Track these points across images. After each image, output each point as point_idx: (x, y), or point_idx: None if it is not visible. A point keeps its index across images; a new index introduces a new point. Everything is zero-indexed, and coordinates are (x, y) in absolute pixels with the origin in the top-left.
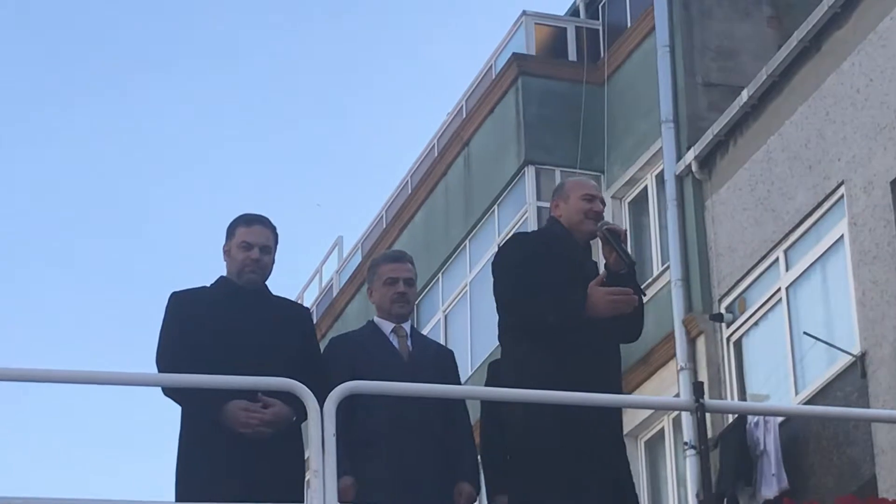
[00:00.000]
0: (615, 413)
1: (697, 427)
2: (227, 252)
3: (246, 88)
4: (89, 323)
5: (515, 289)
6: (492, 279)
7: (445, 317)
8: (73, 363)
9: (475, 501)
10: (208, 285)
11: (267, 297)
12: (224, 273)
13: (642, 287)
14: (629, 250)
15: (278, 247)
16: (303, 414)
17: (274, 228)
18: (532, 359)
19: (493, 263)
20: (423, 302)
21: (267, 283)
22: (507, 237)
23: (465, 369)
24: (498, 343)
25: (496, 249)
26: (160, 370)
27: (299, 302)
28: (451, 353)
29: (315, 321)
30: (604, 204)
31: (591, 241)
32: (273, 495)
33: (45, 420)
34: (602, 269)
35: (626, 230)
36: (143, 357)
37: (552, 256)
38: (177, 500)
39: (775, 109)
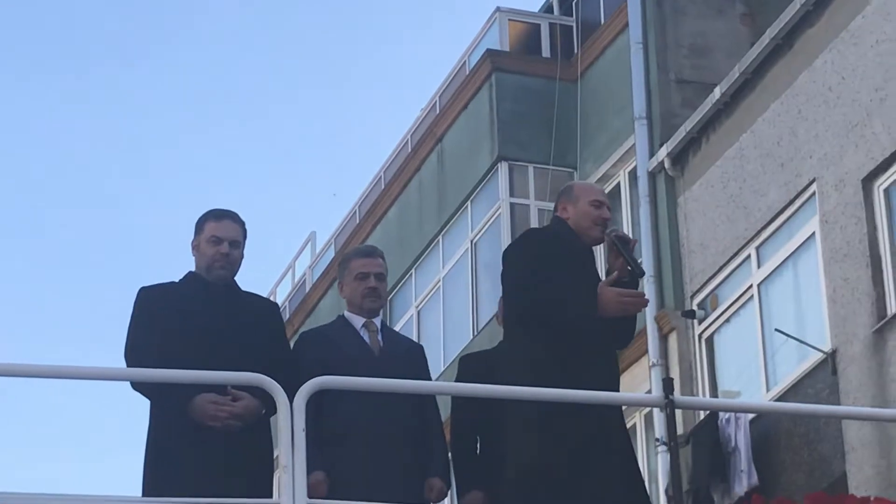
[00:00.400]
0: (626, 439)
1: (667, 423)
2: (195, 247)
3: (217, 81)
4: (55, 317)
5: (535, 278)
6: (503, 268)
7: (418, 312)
8: (39, 357)
9: (445, 497)
10: (177, 281)
11: (236, 293)
12: (193, 269)
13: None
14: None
15: (249, 241)
16: (272, 407)
17: (243, 223)
18: (539, 355)
19: (508, 253)
20: (396, 297)
21: (238, 278)
22: (518, 234)
23: (438, 365)
24: (472, 336)
25: (468, 245)
26: (129, 365)
27: (271, 297)
28: (422, 348)
29: (288, 317)
30: (610, 210)
31: (594, 247)
32: (242, 490)
33: (9, 415)
34: (607, 274)
35: (636, 239)
36: (110, 351)
37: (562, 256)
38: (144, 496)
39: (748, 107)
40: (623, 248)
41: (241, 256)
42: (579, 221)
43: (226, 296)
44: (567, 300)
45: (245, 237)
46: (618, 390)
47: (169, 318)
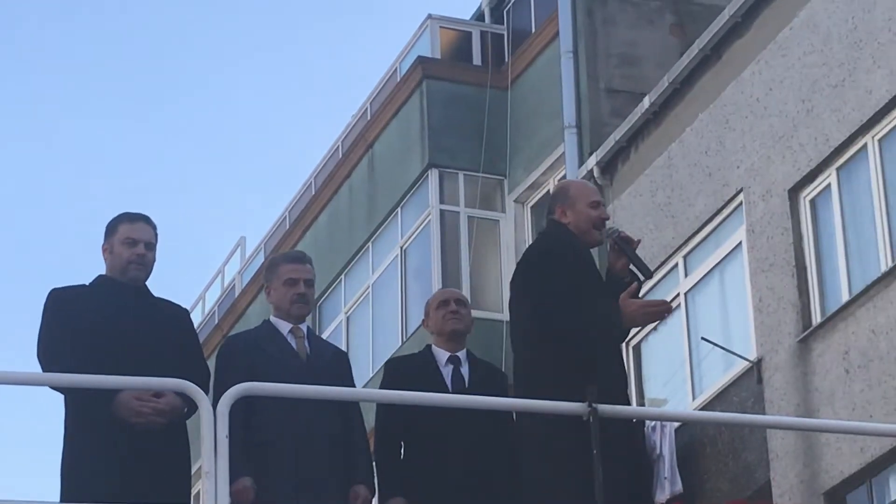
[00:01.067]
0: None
1: (591, 431)
2: (107, 250)
3: (148, 85)
4: None
5: (555, 298)
6: (521, 280)
7: (347, 318)
8: None
9: (370, 503)
10: (87, 284)
11: (148, 296)
12: (103, 272)
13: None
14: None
15: (179, 246)
16: (194, 406)
17: (155, 227)
18: (556, 363)
19: (527, 265)
20: (325, 303)
21: (167, 281)
22: (532, 241)
23: (367, 371)
24: (401, 343)
25: (398, 252)
26: (44, 367)
27: (200, 302)
28: (346, 354)
29: (217, 322)
30: (605, 208)
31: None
32: (159, 495)
33: None
34: (608, 275)
35: (639, 239)
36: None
37: (574, 264)
38: (62, 500)
39: (676, 117)
40: (626, 249)
41: (154, 259)
42: (580, 224)
43: (138, 299)
44: (591, 322)
45: (157, 240)
46: (627, 386)
47: (82, 320)
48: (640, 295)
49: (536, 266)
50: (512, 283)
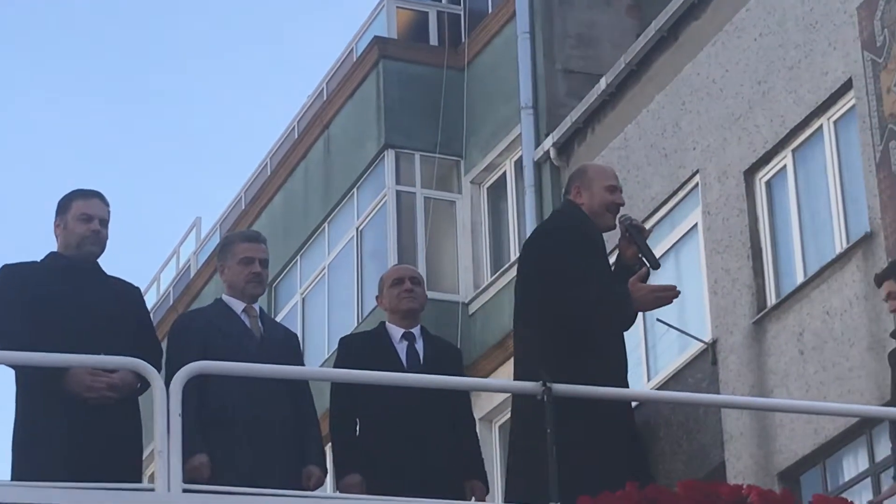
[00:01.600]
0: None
1: (545, 411)
2: (59, 226)
3: (104, 63)
4: None
5: (566, 274)
6: (533, 262)
7: (303, 299)
8: None
9: (322, 484)
10: (38, 260)
11: (101, 275)
12: (54, 250)
13: None
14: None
15: (134, 226)
16: (146, 385)
17: (108, 204)
18: (559, 345)
19: (537, 247)
20: (280, 284)
21: (122, 261)
22: (544, 222)
23: (322, 352)
24: (356, 324)
25: (354, 233)
26: None
27: (155, 283)
28: (297, 337)
29: (172, 302)
30: (622, 193)
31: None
32: (110, 471)
33: None
34: (617, 261)
35: (651, 229)
36: None
37: (586, 245)
38: (13, 478)
39: (633, 98)
40: (637, 238)
41: (107, 237)
42: (594, 206)
43: (90, 277)
44: (603, 307)
45: (109, 217)
46: (626, 370)
47: (34, 296)
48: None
49: (547, 242)
50: (520, 260)
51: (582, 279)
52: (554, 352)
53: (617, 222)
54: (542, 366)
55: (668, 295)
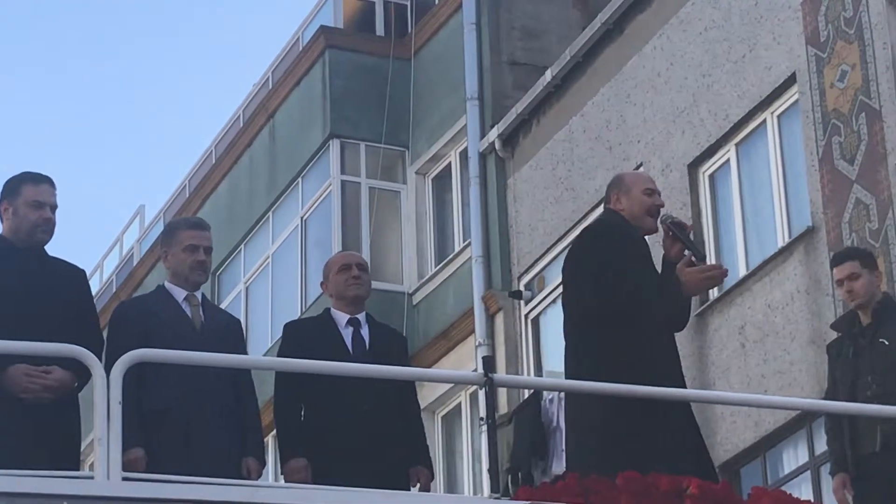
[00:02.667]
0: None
1: (486, 401)
2: (7, 210)
3: (49, 47)
4: None
5: (610, 274)
6: (577, 261)
7: (247, 288)
8: None
9: (261, 476)
10: None
11: (45, 258)
12: None
13: None
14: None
15: (77, 213)
16: (85, 380)
17: (55, 188)
18: (609, 346)
19: (582, 248)
20: (224, 273)
21: (65, 249)
22: (587, 226)
23: (266, 340)
24: (300, 313)
25: (298, 222)
26: None
27: (99, 271)
28: (240, 323)
29: (115, 290)
30: (660, 196)
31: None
32: (49, 464)
33: None
34: (663, 262)
35: (692, 224)
36: None
37: (631, 246)
38: None
39: (578, 90)
40: (681, 234)
41: (55, 223)
42: (634, 211)
43: (34, 260)
44: (647, 293)
45: (57, 204)
46: (682, 373)
47: None
48: None
49: (592, 243)
50: (565, 267)
51: (624, 272)
52: (599, 350)
53: (658, 223)
54: (587, 364)
55: (716, 273)
